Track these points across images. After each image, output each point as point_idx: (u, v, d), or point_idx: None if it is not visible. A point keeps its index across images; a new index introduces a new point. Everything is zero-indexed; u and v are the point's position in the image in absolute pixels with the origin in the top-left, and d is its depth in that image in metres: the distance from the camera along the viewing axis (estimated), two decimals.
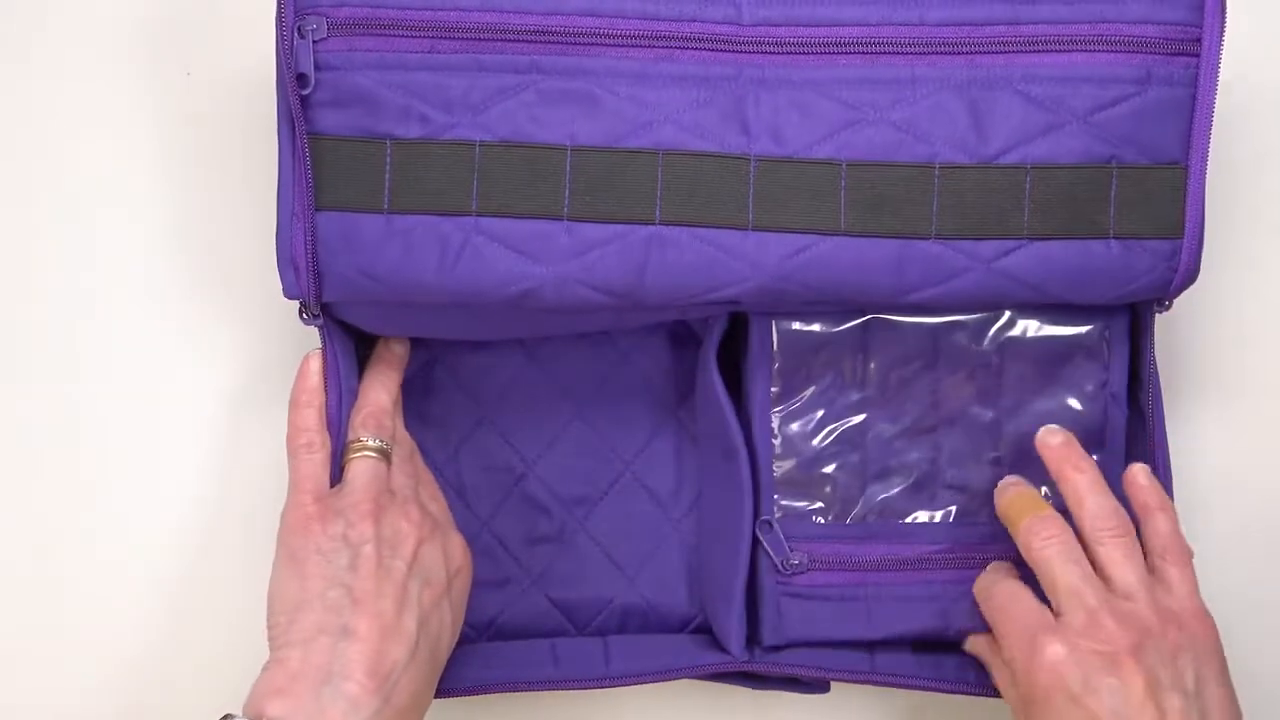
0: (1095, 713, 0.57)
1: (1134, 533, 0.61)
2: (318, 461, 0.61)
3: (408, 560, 0.59)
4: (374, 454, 0.62)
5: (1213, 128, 0.61)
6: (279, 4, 0.59)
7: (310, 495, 0.60)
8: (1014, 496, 0.64)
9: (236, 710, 0.56)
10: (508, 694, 0.66)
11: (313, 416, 0.62)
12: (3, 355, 0.70)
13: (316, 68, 0.59)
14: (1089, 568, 0.60)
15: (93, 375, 0.70)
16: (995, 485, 0.66)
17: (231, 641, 0.68)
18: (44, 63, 0.71)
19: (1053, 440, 0.64)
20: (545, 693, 0.69)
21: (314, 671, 0.55)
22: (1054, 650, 0.58)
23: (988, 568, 0.65)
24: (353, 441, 0.63)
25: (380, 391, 0.65)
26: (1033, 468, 0.66)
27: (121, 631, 0.70)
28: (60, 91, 0.71)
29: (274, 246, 0.61)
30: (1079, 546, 0.61)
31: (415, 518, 0.61)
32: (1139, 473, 0.63)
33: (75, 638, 0.70)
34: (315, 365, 0.63)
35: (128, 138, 0.71)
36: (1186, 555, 0.62)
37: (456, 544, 0.63)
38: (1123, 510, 0.62)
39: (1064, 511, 0.63)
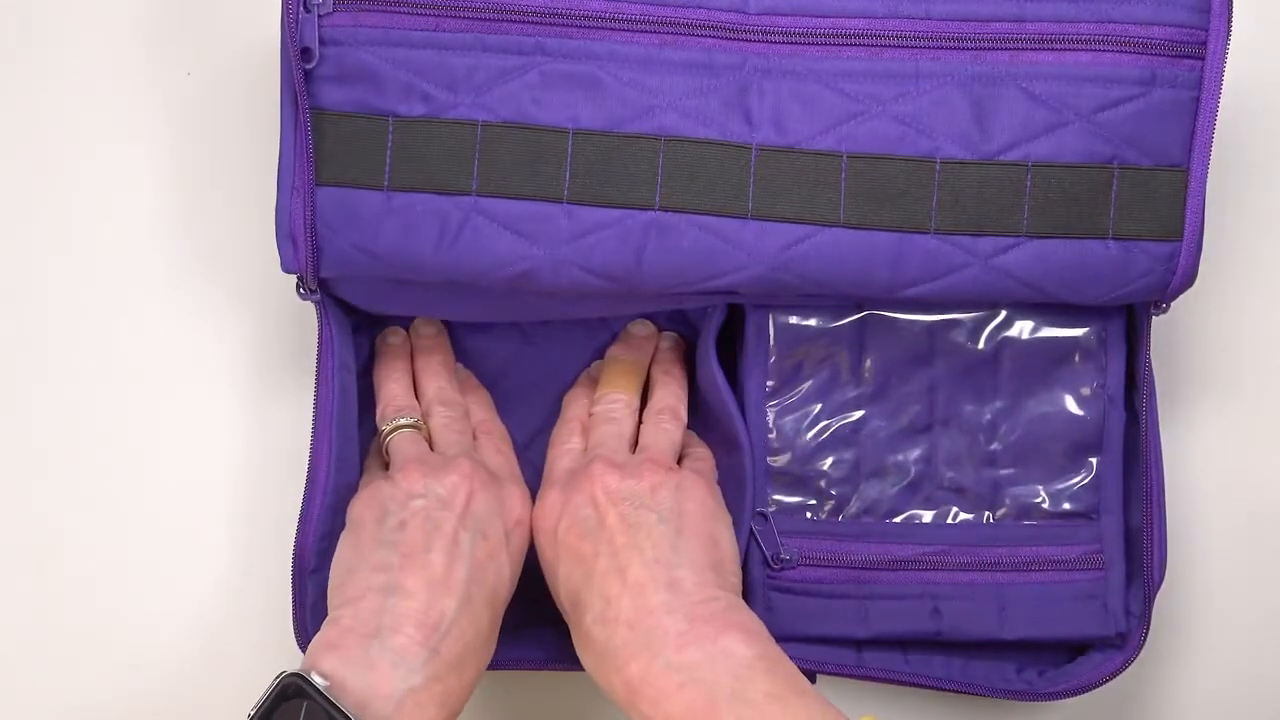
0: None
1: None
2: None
3: (458, 512, 0.60)
4: (406, 428, 0.64)
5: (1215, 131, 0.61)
6: None
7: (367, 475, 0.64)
8: (628, 366, 0.68)
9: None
10: (496, 673, 0.66)
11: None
12: (5, 347, 0.70)
13: (321, 42, 0.60)
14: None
15: (95, 364, 0.70)
16: (991, 487, 0.66)
17: (259, 623, 0.69)
18: (41, 50, 0.71)
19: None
20: (533, 674, 0.69)
21: (363, 627, 0.56)
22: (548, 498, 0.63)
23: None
24: (383, 429, 0.65)
25: (390, 384, 0.66)
26: (1032, 471, 0.66)
27: (136, 626, 0.70)
28: (59, 77, 0.71)
29: (273, 231, 0.62)
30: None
31: (466, 470, 0.61)
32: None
33: (87, 636, 0.69)
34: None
35: (127, 127, 0.71)
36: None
37: (516, 496, 0.63)
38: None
39: None
